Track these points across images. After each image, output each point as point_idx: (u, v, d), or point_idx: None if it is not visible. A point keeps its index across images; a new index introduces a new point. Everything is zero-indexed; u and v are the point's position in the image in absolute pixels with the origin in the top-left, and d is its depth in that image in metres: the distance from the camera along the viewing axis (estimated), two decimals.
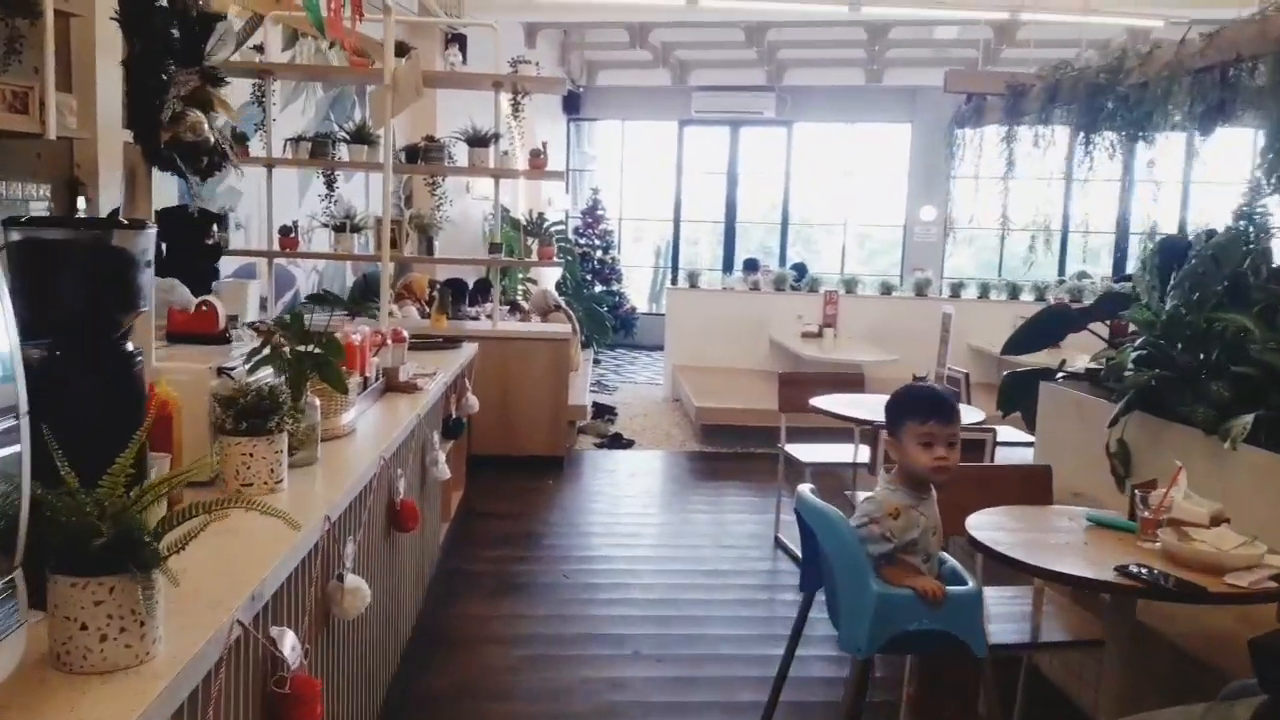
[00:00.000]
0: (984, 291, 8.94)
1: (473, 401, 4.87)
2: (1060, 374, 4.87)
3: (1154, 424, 3.75)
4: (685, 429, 7.78)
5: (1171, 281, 3.91)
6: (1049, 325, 4.63)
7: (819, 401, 4.47)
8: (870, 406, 4.40)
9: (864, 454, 4.85)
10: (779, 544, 5.00)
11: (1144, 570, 2.21)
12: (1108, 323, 4.64)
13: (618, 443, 7.26)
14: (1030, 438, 4.55)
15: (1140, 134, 3.93)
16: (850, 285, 8.86)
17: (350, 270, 9.64)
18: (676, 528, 5.29)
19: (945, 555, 2.53)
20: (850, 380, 4.98)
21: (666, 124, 13.47)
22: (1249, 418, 2.99)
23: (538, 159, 6.50)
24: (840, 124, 13.03)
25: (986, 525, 2.62)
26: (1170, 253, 3.89)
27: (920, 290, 8.85)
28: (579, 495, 5.90)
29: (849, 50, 11.66)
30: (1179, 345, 3.60)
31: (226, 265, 7.06)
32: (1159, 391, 3.59)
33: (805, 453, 4.82)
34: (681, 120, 13.26)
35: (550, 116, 12.26)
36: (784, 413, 4.92)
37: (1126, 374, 3.65)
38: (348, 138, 6.39)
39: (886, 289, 8.93)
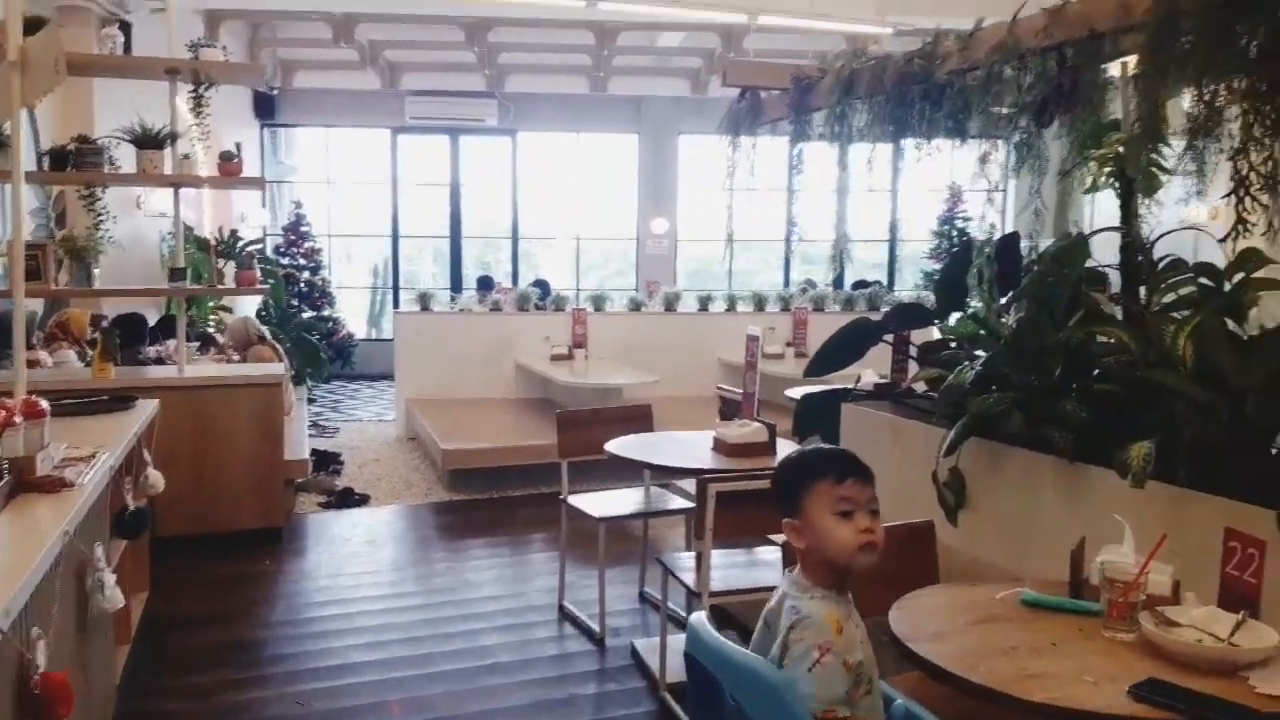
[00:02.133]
0: (731, 304, 8.60)
1: (155, 479, 3.69)
2: (857, 392, 4.43)
3: (992, 450, 3.31)
4: (427, 474, 6.75)
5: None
6: (855, 340, 4.14)
7: (615, 447, 3.69)
8: (668, 450, 3.69)
9: (666, 500, 4.14)
10: (564, 613, 4.18)
11: (1186, 701, 1.60)
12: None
13: (348, 500, 6.12)
14: None
15: (957, 131, 3.51)
16: (599, 303, 8.21)
17: None
18: (439, 609, 4.30)
19: (886, 685, 1.82)
20: (637, 416, 4.25)
21: (378, 132, 12.25)
22: (1148, 445, 2.54)
23: (230, 163, 5.28)
24: (567, 133, 12.42)
25: (913, 627, 1.95)
26: (1005, 256, 3.50)
27: (670, 305, 8.37)
28: (306, 577, 4.74)
29: (574, 56, 11.07)
30: (1027, 362, 3.17)
31: None
32: (1005, 415, 3.14)
33: (594, 505, 4.04)
34: (395, 128, 12.10)
35: (240, 122, 10.70)
36: (565, 459, 4.10)
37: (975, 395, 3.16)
38: None
39: (635, 305, 8.36)
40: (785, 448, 3.65)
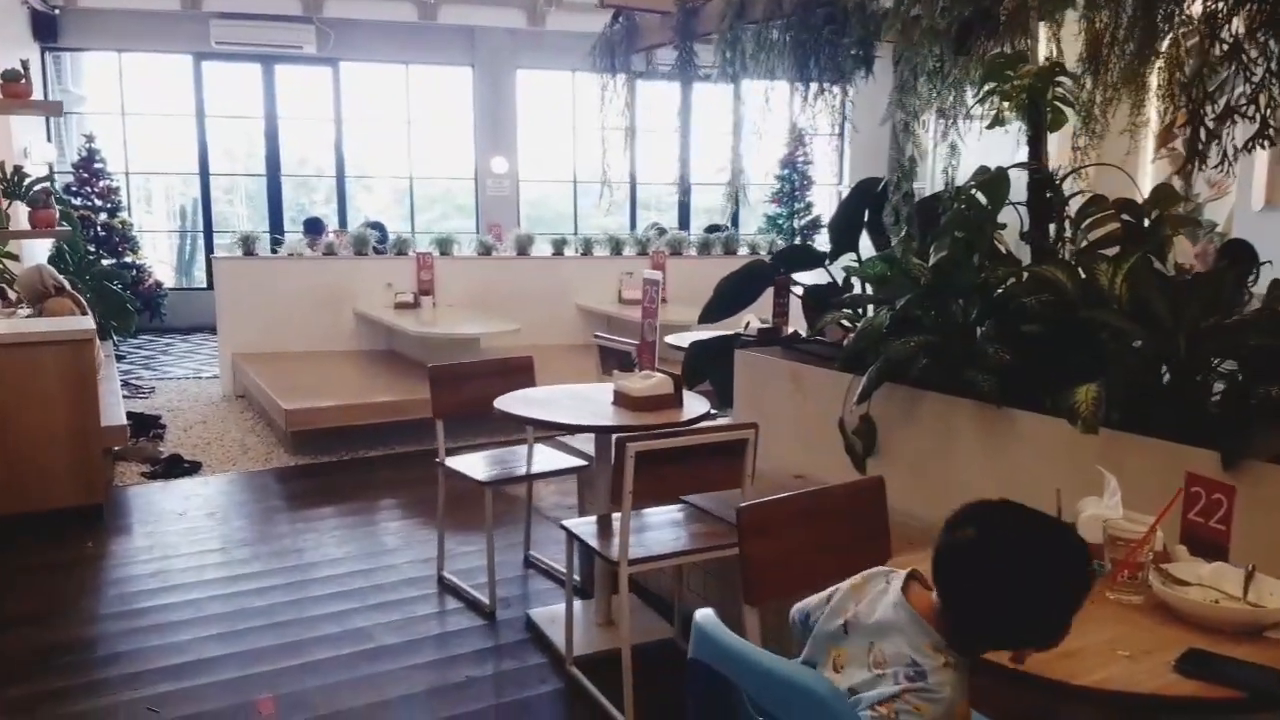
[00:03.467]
0: (586, 248, 8.28)
1: None
2: (745, 337, 4.25)
3: (907, 396, 3.19)
4: (265, 436, 6.15)
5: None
6: (749, 285, 3.94)
7: (506, 403, 3.34)
8: (567, 406, 3.39)
9: (547, 459, 3.84)
10: (445, 585, 3.84)
11: (1240, 673, 1.46)
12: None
13: (176, 468, 5.47)
14: (717, 411, 3.82)
15: (864, 61, 3.31)
16: (445, 246, 7.69)
17: None
18: (301, 589, 3.85)
19: None
20: (518, 369, 3.90)
21: (179, 58, 11.06)
22: (1095, 389, 2.44)
23: (16, 83, 4.50)
24: (395, 64, 11.60)
25: None
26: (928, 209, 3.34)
27: (523, 249, 7.96)
28: (137, 560, 4.16)
29: None
30: (947, 303, 3.04)
31: None
32: (919, 359, 3.01)
33: (475, 467, 3.69)
34: (198, 54, 10.95)
35: (15, 42, 9.39)
36: (439, 418, 3.72)
37: (893, 341, 3.01)
38: None
39: (486, 249, 7.90)
40: (692, 401, 3.41)
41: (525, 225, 10.30)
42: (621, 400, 3.31)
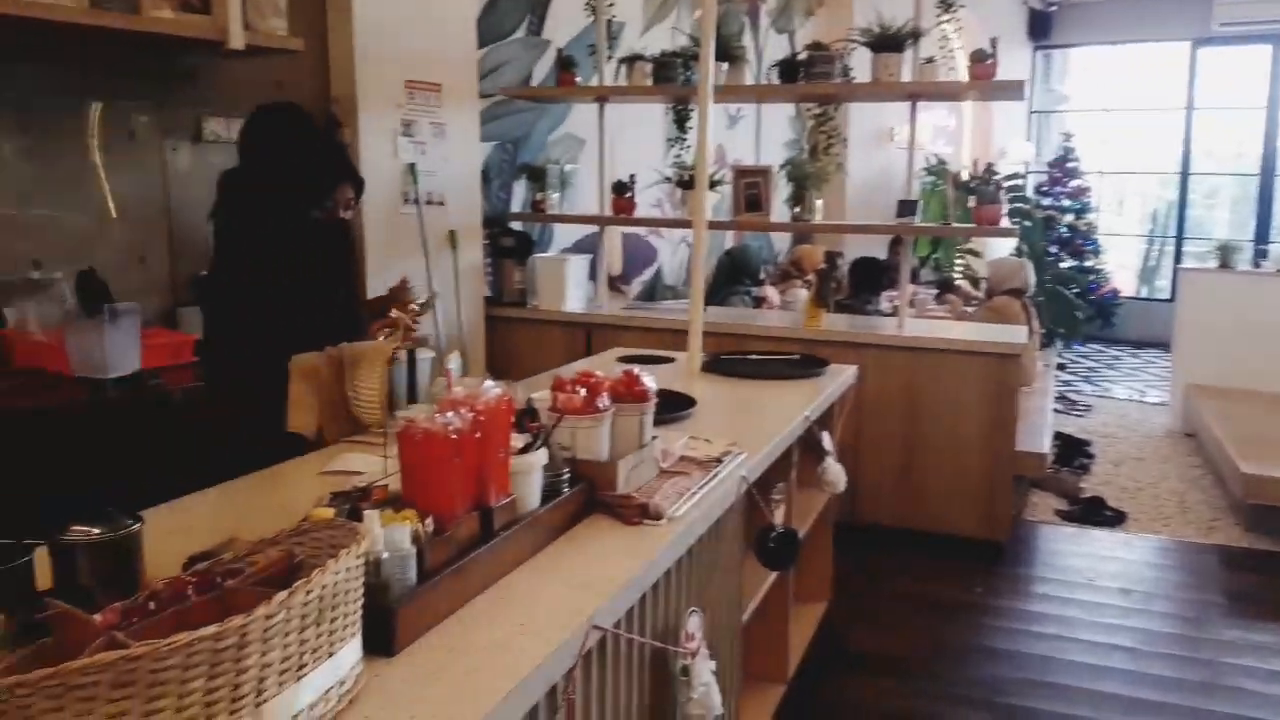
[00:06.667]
0: None
1: (834, 474, 2.70)
2: None
3: None
4: (1213, 498, 4.86)
5: None
6: None
7: None
8: None
9: None
10: None
11: None
12: None
13: (1095, 514, 4.61)
14: None
15: None
16: None
17: (776, 240, 7.78)
18: None
19: None
20: None
21: (1173, 46, 9.93)
22: None
23: (983, 64, 4.08)
24: None
25: None
26: None
27: None
28: (1024, 631, 3.42)
29: None
30: None
31: (564, 236, 5.52)
32: None
33: None
34: (1196, 39, 9.67)
35: (1012, 42, 9.43)
36: None
37: None
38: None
39: None
40: None
41: None
42: None
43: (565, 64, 4.68)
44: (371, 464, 1.78)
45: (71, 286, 2.69)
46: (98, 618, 0.89)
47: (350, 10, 3.59)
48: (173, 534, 1.42)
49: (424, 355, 2.09)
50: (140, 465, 2.47)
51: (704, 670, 1.58)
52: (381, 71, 3.71)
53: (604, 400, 1.68)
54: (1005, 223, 4.31)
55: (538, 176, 4.84)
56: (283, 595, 0.85)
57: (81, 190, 2.92)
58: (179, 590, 0.98)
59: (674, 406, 2.31)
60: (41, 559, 1.08)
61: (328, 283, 2.28)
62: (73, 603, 0.98)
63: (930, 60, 4.17)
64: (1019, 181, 9.00)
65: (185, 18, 2.80)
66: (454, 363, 1.75)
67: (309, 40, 3.29)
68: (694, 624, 1.62)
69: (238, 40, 2.89)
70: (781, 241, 7.78)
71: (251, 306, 2.21)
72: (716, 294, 6.09)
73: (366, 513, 1.17)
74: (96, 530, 1.09)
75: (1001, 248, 7.79)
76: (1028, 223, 8.72)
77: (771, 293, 6.14)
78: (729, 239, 6.91)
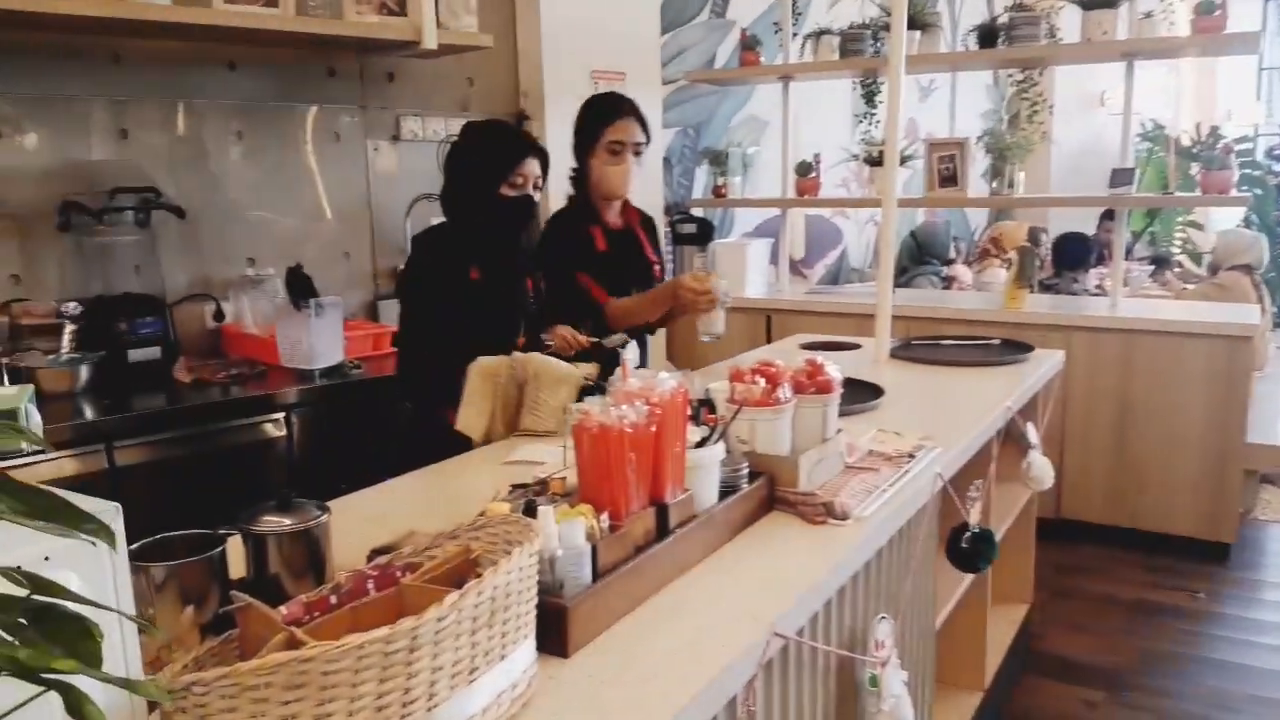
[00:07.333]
0: None
1: (1040, 469, 2.52)
2: None
3: None
4: None
5: None
6: None
7: None
8: None
9: None
10: None
11: None
12: None
13: None
14: None
15: None
16: None
17: (972, 216, 7.45)
18: None
19: None
20: None
21: None
22: None
23: (1210, 16, 3.70)
24: None
25: None
26: None
27: None
28: (1244, 645, 3.08)
29: None
30: None
31: (745, 220, 5.43)
32: None
33: None
34: None
35: None
36: None
37: None
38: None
39: None
40: None
41: None
42: None
43: (749, 44, 4.59)
44: (553, 454, 1.77)
45: (283, 282, 2.86)
46: (283, 610, 0.91)
47: (538, 4, 3.64)
48: (367, 522, 1.46)
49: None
50: (340, 453, 2.59)
51: (895, 681, 1.49)
52: (568, 62, 3.75)
53: (785, 391, 1.61)
54: (1235, 192, 3.90)
55: (719, 161, 4.77)
56: (454, 596, 0.84)
57: (295, 191, 3.09)
58: (359, 584, 0.99)
59: (860, 397, 2.21)
60: (235, 548, 1.12)
61: (514, 262, 2.27)
62: (263, 592, 1.01)
63: (1149, 15, 3.82)
64: (1247, 145, 8.16)
65: (385, 20, 2.91)
66: (630, 353, 1.72)
67: (498, 36, 3.36)
68: (883, 631, 1.53)
69: (432, 40, 2.98)
70: (977, 217, 7.39)
71: (439, 288, 2.17)
72: (901, 275, 5.86)
73: (541, 509, 1.16)
74: (287, 521, 1.13)
75: (1227, 219, 7.09)
76: (1258, 191, 7.90)
77: (963, 271, 5.84)
78: (918, 217, 6.62)
